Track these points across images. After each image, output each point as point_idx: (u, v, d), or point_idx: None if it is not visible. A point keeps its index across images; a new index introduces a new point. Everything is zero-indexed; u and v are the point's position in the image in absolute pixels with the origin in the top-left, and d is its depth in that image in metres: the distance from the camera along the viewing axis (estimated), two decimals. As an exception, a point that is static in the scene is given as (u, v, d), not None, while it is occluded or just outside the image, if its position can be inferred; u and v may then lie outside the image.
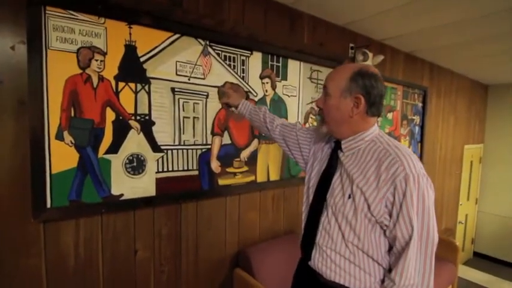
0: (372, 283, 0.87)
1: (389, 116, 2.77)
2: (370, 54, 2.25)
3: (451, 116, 3.66)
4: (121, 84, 1.28)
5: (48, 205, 1.14)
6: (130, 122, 1.32)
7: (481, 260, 4.42)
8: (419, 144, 3.21)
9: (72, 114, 1.17)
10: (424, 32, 2.27)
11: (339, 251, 0.90)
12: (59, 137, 1.15)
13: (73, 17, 1.15)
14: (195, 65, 1.49)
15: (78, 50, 1.17)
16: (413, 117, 3.08)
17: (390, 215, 0.82)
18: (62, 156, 1.16)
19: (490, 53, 2.78)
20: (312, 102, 2.05)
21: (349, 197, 0.87)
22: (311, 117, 2.08)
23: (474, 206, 4.51)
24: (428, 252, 0.80)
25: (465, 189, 4.20)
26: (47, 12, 1.10)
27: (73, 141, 1.18)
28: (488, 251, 4.45)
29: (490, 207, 4.44)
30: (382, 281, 0.88)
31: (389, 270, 0.85)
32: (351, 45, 2.27)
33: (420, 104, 3.15)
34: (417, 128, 3.16)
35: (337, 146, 0.97)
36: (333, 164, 0.96)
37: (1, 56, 1.03)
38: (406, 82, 2.87)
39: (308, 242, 1.00)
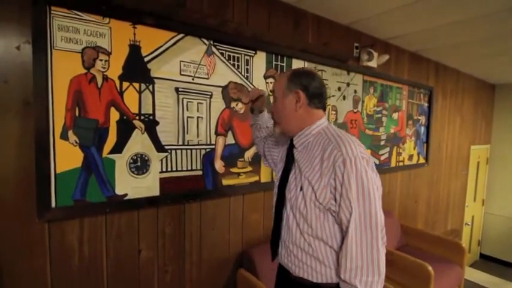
0: (334, 275, 0.89)
1: (395, 116, 2.74)
2: (375, 54, 2.23)
3: (457, 116, 3.62)
4: (125, 84, 1.29)
5: (53, 205, 1.14)
6: (134, 121, 1.32)
7: (487, 262, 4.36)
8: (425, 145, 3.17)
9: (77, 114, 1.18)
10: (429, 31, 2.24)
11: (298, 244, 0.93)
12: (64, 136, 1.15)
13: (78, 17, 1.16)
14: (199, 64, 1.49)
15: (83, 50, 1.18)
16: (419, 118, 3.05)
17: (336, 200, 0.84)
18: (66, 156, 1.16)
19: (496, 52, 2.74)
20: None
21: (301, 189, 0.91)
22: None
23: (481, 208, 4.45)
24: (373, 234, 0.80)
25: (472, 190, 4.15)
26: (51, 12, 1.10)
27: (77, 141, 1.19)
28: (495, 253, 4.39)
29: (497, 208, 4.38)
30: None
31: None
32: (356, 44, 2.25)
33: (426, 104, 3.11)
34: (423, 128, 3.12)
35: (292, 144, 1.01)
36: (290, 161, 1.00)
37: (6, 56, 1.04)
38: (411, 82, 2.84)
39: (275, 239, 1.04)
